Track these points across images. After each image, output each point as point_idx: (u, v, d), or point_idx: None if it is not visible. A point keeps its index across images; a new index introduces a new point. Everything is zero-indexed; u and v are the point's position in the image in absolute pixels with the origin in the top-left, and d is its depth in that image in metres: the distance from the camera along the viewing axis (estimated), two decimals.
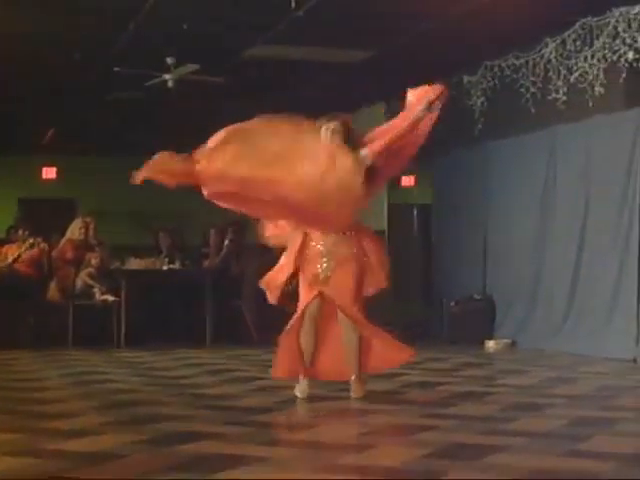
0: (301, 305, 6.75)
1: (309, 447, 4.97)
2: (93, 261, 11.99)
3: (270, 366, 9.09)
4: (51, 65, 11.96)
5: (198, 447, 4.74)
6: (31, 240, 12.01)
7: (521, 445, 4.83)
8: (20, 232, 12.36)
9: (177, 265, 12.47)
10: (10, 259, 11.82)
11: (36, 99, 13.90)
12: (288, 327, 6.77)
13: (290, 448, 4.90)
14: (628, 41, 9.66)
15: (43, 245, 12.10)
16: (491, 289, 12.08)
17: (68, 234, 12.44)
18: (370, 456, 4.56)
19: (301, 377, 6.80)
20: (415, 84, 6.31)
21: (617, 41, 9.81)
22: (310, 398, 6.64)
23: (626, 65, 9.71)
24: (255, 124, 6.53)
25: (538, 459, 4.44)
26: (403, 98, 6.84)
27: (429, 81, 6.92)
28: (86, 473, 4.13)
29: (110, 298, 11.68)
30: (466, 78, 12.35)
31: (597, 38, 10.09)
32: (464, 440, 4.99)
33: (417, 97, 6.79)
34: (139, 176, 6.56)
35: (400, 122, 6.70)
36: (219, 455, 4.53)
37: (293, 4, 9.33)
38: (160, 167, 6.57)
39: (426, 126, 6.75)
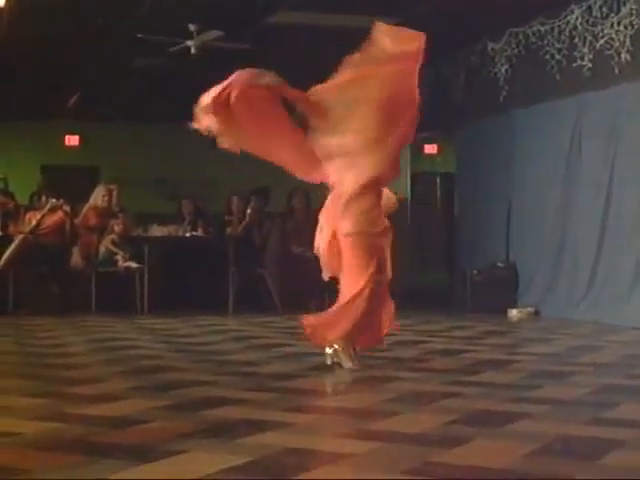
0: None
1: (334, 413, 4.97)
2: (116, 228, 12.03)
3: (292, 333, 9.16)
4: (74, 31, 11.93)
5: (223, 412, 4.75)
6: (53, 200, 12.03)
7: (545, 412, 4.82)
8: (43, 199, 12.39)
9: (200, 232, 12.50)
10: (34, 222, 11.86)
11: (59, 66, 13.88)
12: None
13: (315, 414, 4.91)
14: None
15: (66, 208, 12.11)
16: (514, 257, 12.03)
17: (91, 201, 12.49)
18: (395, 422, 4.55)
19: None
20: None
21: None
22: (334, 366, 6.63)
23: None
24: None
25: (563, 426, 4.42)
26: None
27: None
28: (112, 437, 4.15)
29: (133, 265, 11.73)
30: (490, 45, 12.28)
31: (624, 4, 10.00)
32: (488, 407, 4.98)
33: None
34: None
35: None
36: (244, 420, 4.54)
37: None
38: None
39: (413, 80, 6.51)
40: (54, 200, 12.06)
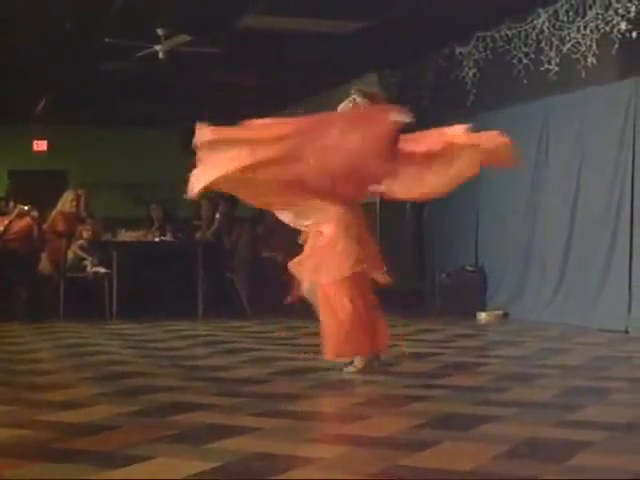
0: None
1: (302, 418, 4.97)
2: (85, 233, 11.99)
3: (262, 337, 9.17)
4: (42, 36, 11.87)
5: (191, 418, 4.75)
6: (21, 206, 11.95)
7: (513, 415, 4.84)
8: (11, 204, 12.31)
9: (169, 237, 12.46)
10: (1, 228, 11.77)
11: (27, 71, 13.81)
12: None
13: (283, 419, 4.90)
14: (621, 11, 9.64)
15: (34, 214, 12.03)
16: (483, 261, 12.08)
17: (59, 206, 12.41)
18: (364, 426, 4.56)
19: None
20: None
21: (610, 11, 9.79)
22: (303, 370, 6.63)
23: (619, 36, 9.69)
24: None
25: (530, 429, 4.45)
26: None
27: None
28: (79, 444, 4.13)
29: (102, 270, 11.68)
30: (458, 49, 12.31)
31: (590, 8, 10.06)
32: (457, 410, 5.00)
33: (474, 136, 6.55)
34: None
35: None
36: (212, 425, 4.54)
37: None
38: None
39: None
40: (22, 206, 11.98)
